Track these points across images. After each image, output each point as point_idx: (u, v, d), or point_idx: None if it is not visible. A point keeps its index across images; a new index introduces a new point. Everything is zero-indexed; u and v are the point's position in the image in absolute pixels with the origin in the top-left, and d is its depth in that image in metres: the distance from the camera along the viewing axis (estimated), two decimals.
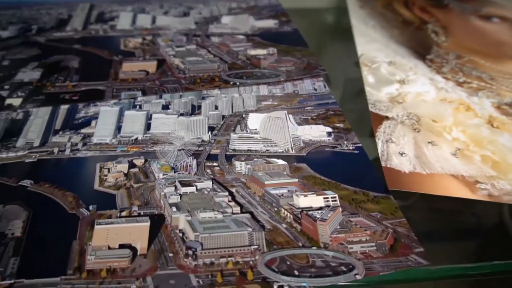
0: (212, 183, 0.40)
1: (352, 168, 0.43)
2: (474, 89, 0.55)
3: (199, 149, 0.44)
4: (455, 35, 0.64)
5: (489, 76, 0.57)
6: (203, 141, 0.45)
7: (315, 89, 0.53)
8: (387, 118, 0.48)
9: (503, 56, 0.60)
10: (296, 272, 0.33)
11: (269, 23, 0.66)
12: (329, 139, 0.45)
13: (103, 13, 0.68)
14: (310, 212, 0.37)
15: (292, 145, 0.45)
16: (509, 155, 0.45)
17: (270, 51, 0.59)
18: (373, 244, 0.35)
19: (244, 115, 0.48)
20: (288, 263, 0.33)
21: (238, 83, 0.52)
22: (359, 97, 0.52)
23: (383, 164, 0.42)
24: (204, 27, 0.65)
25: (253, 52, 0.59)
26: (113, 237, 0.34)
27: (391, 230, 0.36)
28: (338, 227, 0.36)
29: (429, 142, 0.46)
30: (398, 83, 0.55)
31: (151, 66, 0.55)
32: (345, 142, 0.45)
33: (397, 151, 0.44)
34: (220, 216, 0.36)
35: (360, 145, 0.45)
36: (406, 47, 0.63)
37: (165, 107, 0.49)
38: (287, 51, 0.59)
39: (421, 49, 0.63)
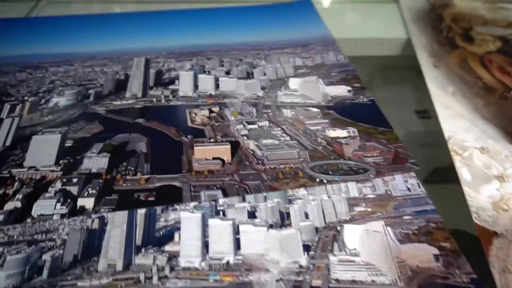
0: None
1: None
2: None
3: (298, 279, 0.39)
4: None
5: None
6: (300, 266, 0.40)
7: (409, 189, 0.48)
8: (495, 234, 0.44)
9: None
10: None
11: (342, 90, 0.61)
12: (438, 266, 0.41)
13: (161, 72, 0.63)
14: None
15: (399, 274, 0.40)
16: None
17: (351, 133, 0.54)
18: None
19: (339, 228, 0.44)
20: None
21: (325, 181, 0.48)
22: (455, 198, 0.48)
23: None
24: (273, 93, 0.60)
25: (332, 133, 0.54)
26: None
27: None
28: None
29: None
30: (496, 179, 0.50)
31: (225, 152, 0.51)
32: (457, 272, 0.41)
33: None
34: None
35: (475, 277, 0.40)
36: (495, 125, 0.58)
37: (251, 214, 0.45)
38: (369, 133, 0.54)
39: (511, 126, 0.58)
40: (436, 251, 0.42)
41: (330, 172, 0.49)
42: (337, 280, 0.40)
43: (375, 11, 0.85)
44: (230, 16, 0.73)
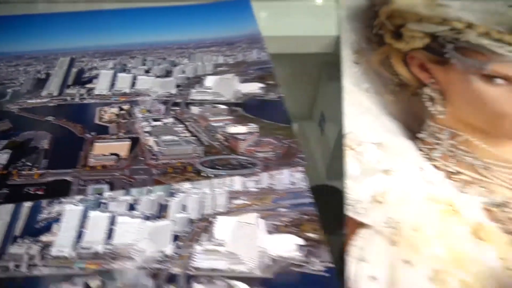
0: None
1: None
2: (465, 182, 0.52)
3: (160, 267, 0.42)
4: (453, 102, 0.59)
5: (483, 165, 0.53)
6: (165, 255, 0.43)
7: (293, 183, 0.50)
8: (362, 224, 0.46)
9: (502, 136, 0.56)
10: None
11: (254, 88, 0.63)
12: (299, 255, 0.43)
13: (82, 70, 0.65)
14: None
15: (259, 263, 0.42)
16: (489, 281, 0.42)
17: (252, 129, 0.56)
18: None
19: (212, 219, 0.46)
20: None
21: (212, 175, 0.50)
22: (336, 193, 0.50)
23: None
24: (186, 91, 0.62)
25: (232, 129, 0.56)
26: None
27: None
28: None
29: (405, 261, 0.43)
30: (382, 173, 0.52)
31: (123, 147, 0.53)
32: (315, 260, 0.43)
33: (369, 274, 0.42)
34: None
35: (331, 265, 0.42)
36: (399, 121, 0.59)
37: (132, 207, 0.47)
38: (269, 129, 0.56)
39: (414, 123, 0.59)
40: (301, 242, 0.44)
41: (219, 167, 0.51)
42: (197, 268, 0.42)
43: (314, 9, 0.86)
44: (161, 15, 0.75)
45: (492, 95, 0.57)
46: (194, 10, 0.78)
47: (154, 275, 0.41)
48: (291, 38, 0.78)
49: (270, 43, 0.75)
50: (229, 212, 0.47)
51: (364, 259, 0.42)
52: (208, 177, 0.50)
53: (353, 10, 0.84)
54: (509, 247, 0.45)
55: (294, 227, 0.45)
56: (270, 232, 0.45)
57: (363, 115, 0.59)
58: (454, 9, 0.81)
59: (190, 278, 0.41)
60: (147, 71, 0.66)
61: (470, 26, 0.73)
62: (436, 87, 0.62)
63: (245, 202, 0.48)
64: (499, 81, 0.58)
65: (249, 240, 0.44)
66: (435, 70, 0.65)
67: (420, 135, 0.57)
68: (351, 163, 0.52)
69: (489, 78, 0.58)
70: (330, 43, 0.73)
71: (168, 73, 0.66)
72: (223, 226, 0.45)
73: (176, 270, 0.41)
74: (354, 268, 0.42)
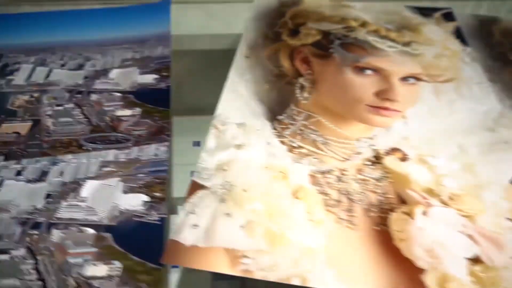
0: (26, 251, 0.49)
1: (145, 240, 0.51)
2: (302, 155, 0.60)
3: (29, 217, 0.53)
4: (320, 90, 0.66)
5: (324, 141, 0.62)
6: (36, 208, 0.54)
7: (156, 155, 0.61)
8: (203, 187, 0.56)
9: (351, 117, 0.63)
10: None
11: (149, 79, 0.74)
12: (143, 209, 0.54)
13: (7, 65, 0.77)
14: (90, 281, 0.46)
15: (109, 215, 0.53)
16: (293, 230, 0.51)
17: (135, 112, 0.67)
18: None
19: (81, 182, 0.57)
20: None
21: (90, 148, 0.61)
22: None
23: (172, 236, 0.50)
24: (91, 82, 0.74)
25: (119, 113, 0.67)
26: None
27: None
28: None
29: (226, 214, 0.53)
30: (235, 148, 0.62)
31: (25, 127, 0.64)
32: (154, 213, 0.54)
33: (192, 223, 0.52)
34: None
35: (165, 216, 0.53)
36: (266, 106, 0.69)
37: (19, 173, 0.58)
38: (150, 112, 0.67)
39: (278, 108, 0.69)
40: (146, 199, 0.55)
41: (98, 142, 0.62)
42: (58, 218, 0.53)
43: (231, 9, 0.96)
44: (86, 17, 0.86)
45: (356, 83, 0.63)
46: (117, 12, 0.89)
47: (23, 223, 0.52)
48: (209, 36, 0.88)
49: (190, 40, 0.87)
50: (97, 177, 0.58)
51: (194, 212, 0.53)
52: (87, 150, 0.61)
53: (261, 10, 0.94)
54: (317, 204, 0.55)
55: (146, 188, 0.56)
56: (125, 192, 0.56)
57: (235, 100, 0.69)
58: (356, 9, 0.91)
59: (50, 225, 0.52)
60: (62, 65, 0.77)
61: (363, 24, 0.82)
62: (310, 78, 0.70)
63: (113, 169, 0.59)
64: (368, 72, 0.65)
65: (106, 198, 0.55)
66: (316, 63, 0.73)
67: (279, 117, 0.67)
68: (210, 140, 0.62)
69: (361, 69, 0.64)
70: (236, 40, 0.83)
71: (80, 67, 0.77)
72: (88, 187, 0.56)
73: (41, 219, 0.53)
74: (182, 218, 0.52)
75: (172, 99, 0.72)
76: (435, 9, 0.91)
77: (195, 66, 0.89)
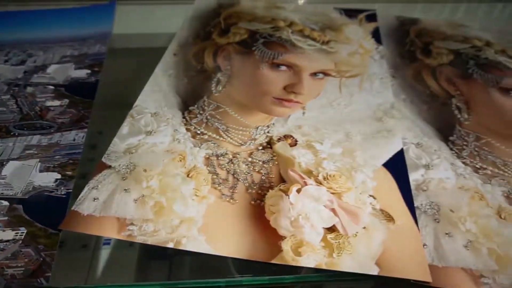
0: None
1: (50, 211, 0.59)
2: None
3: None
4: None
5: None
6: None
7: (74, 140, 0.69)
8: (109, 167, 0.64)
9: (256, 108, 0.71)
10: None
11: (82, 73, 0.82)
12: (53, 185, 0.62)
13: None
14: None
15: (23, 190, 0.62)
16: (178, 203, 0.59)
17: (63, 103, 0.76)
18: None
19: (4, 163, 0.65)
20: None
21: (17, 134, 0.70)
22: None
23: (73, 208, 0.58)
24: (29, 76, 0.82)
25: (49, 103, 0.75)
26: None
27: (42, 259, 0.53)
28: (10, 255, 0.54)
29: (125, 190, 0.61)
30: (144, 134, 0.70)
31: None
32: (62, 188, 0.62)
33: (93, 197, 0.60)
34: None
35: (70, 191, 0.61)
36: (182, 98, 0.78)
37: None
38: (76, 103, 0.76)
39: (192, 100, 0.77)
40: (58, 176, 0.63)
41: (25, 129, 0.71)
42: None
43: (176, 11, 1.04)
44: (35, 17, 0.95)
45: (269, 78, 0.71)
46: (64, 13, 0.97)
47: None
48: (144, 35, 0.97)
49: (138, 38, 0.95)
50: (19, 158, 0.66)
51: (97, 187, 0.61)
52: (15, 136, 0.69)
53: (200, 11, 1.02)
54: (206, 182, 0.63)
55: (60, 167, 0.65)
56: (41, 171, 0.64)
57: (155, 93, 0.77)
58: (288, 10, 0.98)
59: None
60: (6, 61, 0.85)
61: (290, 24, 0.90)
62: (228, 73, 0.78)
63: (34, 152, 0.67)
64: (283, 67, 0.72)
65: (24, 176, 0.63)
66: (236, 60, 0.81)
67: (191, 108, 0.75)
68: (124, 127, 0.70)
69: (277, 65, 0.72)
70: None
71: (22, 62, 0.85)
72: (10, 167, 0.65)
73: None
74: (85, 192, 0.60)
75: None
76: (361, 11, 1.00)
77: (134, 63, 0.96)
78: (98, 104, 0.77)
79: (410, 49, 0.88)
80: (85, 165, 0.66)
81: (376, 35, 0.93)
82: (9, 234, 0.56)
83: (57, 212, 0.58)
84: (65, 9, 0.99)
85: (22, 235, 0.55)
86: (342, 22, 0.93)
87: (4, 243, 0.55)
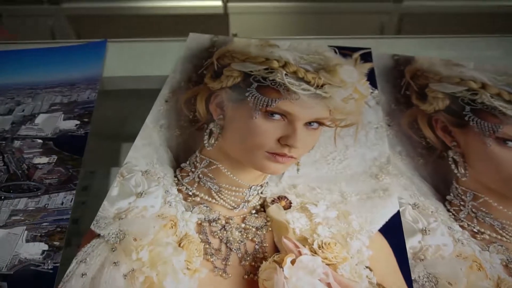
0: None
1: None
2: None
3: None
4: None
5: (218, 189, 0.68)
6: None
7: (62, 203, 0.67)
8: (98, 236, 0.62)
9: (249, 164, 0.69)
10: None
11: (71, 125, 0.80)
12: (40, 258, 0.60)
13: None
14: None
15: (8, 263, 0.60)
16: (169, 278, 0.58)
17: (51, 160, 0.73)
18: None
19: None
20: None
21: (3, 197, 0.68)
22: None
23: (60, 286, 0.57)
24: (17, 128, 0.80)
25: (36, 160, 0.73)
26: None
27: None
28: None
29: (114, 263, 0.59)
30: (135, 196, 0.68)
31: None
32: (49, 262, 0.60)
33: (82, 272, 0.58)
34: None
35: (58, 265, 0.60)
36: (173, 153, 0.75)
37: None
38: (65, 160, 0.74)
39: (184, 155, 0.75)
40: (45, 247, 0.62)
41: (12, 191, 0.69)
42: None
43: (167, 50, 1.02)
44: (18, 57, 0.93)
45: (262, 129, 0.69)
46: (52, 53, 0.95)
47: None
48: (134, 78, 0.95)
49: (128, 81, 0.93)
50: (5, 225, 0.64)
51: (85, 261, 0.59)
52: (1, 199, 0.67)
53: (190, 50, 1.00)
54: (198, 253, 0.61)
55: (47, 237, 0.63)
56: (27, 241, 0.62)
57: (146, 147, 0.75)
58: (281, 49, 0.96)
59: None
60: None
61: (284, 65, 0.88)
62: (220, 123, 0.75)
63: (21, 218, 0.65)
64: (276, 116, 0.70)
65: (9, 246, 0.61)
66: (230, 108, 0.79)
67: (182, 165, 0.73)
68: (115, 188, 0.68)
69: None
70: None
71: (9, 112, 0.83)
72: None
73: None
74: (73, 267, 0.58)
75: None
76: (356, 49, 0.98)
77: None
78: (87, 160, 0.75)
79: (406, 93, 0.87)
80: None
81: (371, 77, 0.91)
82: None
83: None
84: (53, 48, 0.96)
85: None
86: (337, 62, 0.91)
87: None
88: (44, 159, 0.73)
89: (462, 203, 0.68)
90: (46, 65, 0.93)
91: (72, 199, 0.67)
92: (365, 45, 0.97)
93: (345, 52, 0.96)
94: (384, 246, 0.63)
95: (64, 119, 0.81)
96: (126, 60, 1.01)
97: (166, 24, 2.13)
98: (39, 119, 0.81)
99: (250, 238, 0.64)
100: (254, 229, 0.64)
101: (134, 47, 1.04)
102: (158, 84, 0.90)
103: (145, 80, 0.96)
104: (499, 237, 0.65)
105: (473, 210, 0.67)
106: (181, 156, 0.74)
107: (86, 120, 0.80)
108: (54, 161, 0.73)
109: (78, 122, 0.80)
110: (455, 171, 0.71)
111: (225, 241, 0.63)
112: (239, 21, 2.13)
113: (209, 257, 0.61)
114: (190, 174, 0.70)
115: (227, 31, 2.17)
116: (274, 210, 0.67)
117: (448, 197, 0.69)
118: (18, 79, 0.90)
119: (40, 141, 0.77)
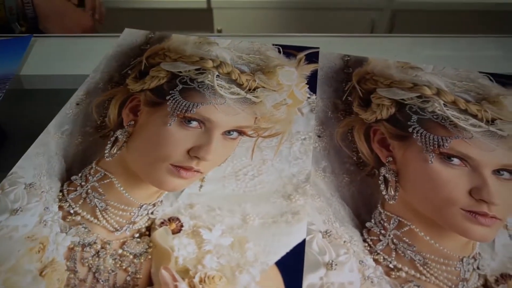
0: None
1: None
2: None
3: None
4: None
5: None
6: None
7: None
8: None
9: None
10: None
11: None
12: None
13: None
14: None
15: None
16: None
17: None
18: None
19: None
20: None
21: None
22: None
23: None
24: None
25: None
26: None
27: None
28: None
29: None
30: (8, 213, 0.60)
31: None
32: None
33: None
34: None
35: None
36: (68, 163, 0.67)
37: None
38: None
39: (78, 166, 0.67)
40: None
41: None
42: None
43: (101, 47, 0.94)
44: None
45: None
46: None
47: None
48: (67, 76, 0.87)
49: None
50: None
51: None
52: None
53: (120, 47, 0.92)
54: (59, 284, 0.54)
55: None
56: None
57: (39, 156, 0.67)
58: (220, 47, 0.88)
59: None
60: None
61: (219, 65, 0.79)
62: (129, 129, 0.69)
63: None
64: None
65: None
66: (145, 112, 0.72)
67: (73, 177, 0.65)
68: None
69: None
70: None
71: None
72: None
73: None
74: None
75: None
76: (303, 48, 0.88)
77: None
78: None
79: (347, 99, 0.77)
80: None
81: (312, 81, 0.82)
82: None
83: None
84: None
85: None
86: (278, 63, 0.83)
87: None
88: None
89: (382, 231, 0.59)
90: None
91: None
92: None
93: (289, 51, 0.87)
94: (275, 284, 0.54)
95: None
96: (53, 57, 0.93)
97: (148, 19, 2.05)
98: None
99: (124, 267, 0.55)
100: (131, 257, 0.56)
101: (64, 43, 0.97)
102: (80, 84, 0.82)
103: (68, 79, 0.88)
104: (417, 275, 0.55)
105: (394, 240, 0.58)
106: (75, 168, 0.66)
107: None
108: None
109: None
110: (383, 192, 0.61)
111: (94, 270, 0.55)
112: (224, 16, 2.04)
113: None
114: (78, 188, 0.63)
115: (211, 26, 2.08)
116: (160, 234, 0.58)
117: (367, 224, 0.60)
118: None
119: None
